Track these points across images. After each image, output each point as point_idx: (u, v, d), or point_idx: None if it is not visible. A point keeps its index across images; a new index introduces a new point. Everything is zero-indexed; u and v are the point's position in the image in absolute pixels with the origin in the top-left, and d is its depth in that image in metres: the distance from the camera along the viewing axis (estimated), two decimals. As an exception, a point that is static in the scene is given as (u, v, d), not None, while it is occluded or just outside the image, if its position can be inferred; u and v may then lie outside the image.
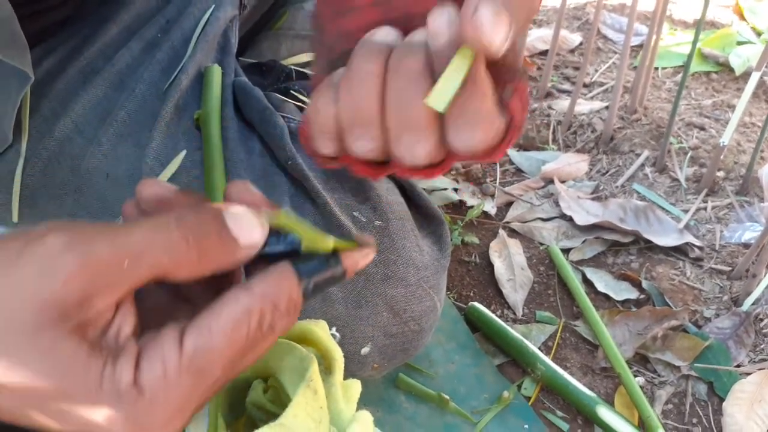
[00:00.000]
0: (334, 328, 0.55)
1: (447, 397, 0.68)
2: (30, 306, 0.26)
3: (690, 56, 0.86)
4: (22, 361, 0.26)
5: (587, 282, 0.81)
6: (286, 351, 0.43)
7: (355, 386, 0.44)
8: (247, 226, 0.30)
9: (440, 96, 0.29)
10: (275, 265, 0.30)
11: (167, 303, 0.33)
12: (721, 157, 0.88)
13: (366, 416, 0.38)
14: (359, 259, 0.32)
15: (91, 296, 0.26)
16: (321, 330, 0.46)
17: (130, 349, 0.27)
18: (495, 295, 0.81)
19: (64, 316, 0.26)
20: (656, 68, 1.10)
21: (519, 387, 0.72)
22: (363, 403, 0.43)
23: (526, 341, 0.73)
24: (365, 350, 0.54)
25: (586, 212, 0.88)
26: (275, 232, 0.31)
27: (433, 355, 0.72)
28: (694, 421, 0.70)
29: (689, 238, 0.84)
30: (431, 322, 0.58)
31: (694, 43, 0.84)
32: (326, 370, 0.43)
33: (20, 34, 0.49)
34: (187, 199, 0.32)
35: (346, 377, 0.46)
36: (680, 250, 0.84)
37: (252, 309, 0.28)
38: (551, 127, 1.01)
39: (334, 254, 0.32)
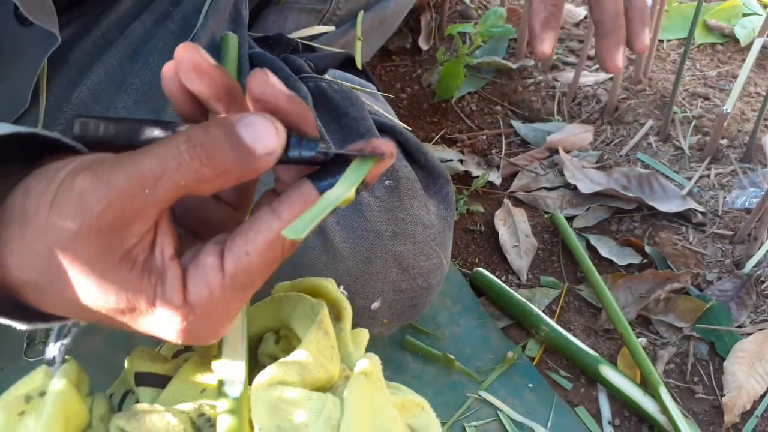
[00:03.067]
0: (342, 287, 0.57)
1: (453, 357, 0.70)
2: (76, 243, 0.29)
3: (692, 26, 0.87)
4: (83, 291, 0.30)
5: (591, 249, 0.83)
6: (297, 301, 0.45)
7: (364, 334, 0.46)
8: (263, 133, 0.30)
9: (300, 226, 0.30)
10: (299, 187, 0.31)
11: (200, 204, 0.35)
12: (725, 125, 0.88)
13: (375, 357, 0.40)
14: (379, 171, 0.32)
15: (126, 225, 0.29)
16: (330, 284, 0.48)
17: (175, 271, 0.31)
18: (500, 262, 0.83)
19: (108, 249, 0.29)
20: (661, 40, 1.11)
21: (523, 348, 0.74)
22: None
23: (530, 304, 0.75)
24: (375, 305, 0.56)
25: (590, 181, 0.89)
26: (295, 136, 0.31)
27: (439, 318, 0.74)
28: (695, 379, 0.72)
29: (692, 204, 0.85)
30: (438, 278, 0.60)
31: (696, 13, 0.85)
32: (336, 317, 0.45)
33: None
34: (221, 77, 0.32)
35: (355, 329, 0.48)
36: (683, 216, 0.85)
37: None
38: (556, 99, 1.02)
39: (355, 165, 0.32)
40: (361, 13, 0.83)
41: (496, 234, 0.85)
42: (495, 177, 0.92)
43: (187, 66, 0.32)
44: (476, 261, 0.83)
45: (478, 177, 0.90)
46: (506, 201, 0.88)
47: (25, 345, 0.68)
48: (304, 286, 0.47)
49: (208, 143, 0.29)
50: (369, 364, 0.38)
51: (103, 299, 0.30)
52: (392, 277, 0.57)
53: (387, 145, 0.32)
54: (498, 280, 0.78)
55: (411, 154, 0.66)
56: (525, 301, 0.75)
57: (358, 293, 0.56)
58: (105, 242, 0.29)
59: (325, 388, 0.39)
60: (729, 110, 0.86)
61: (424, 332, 0.73)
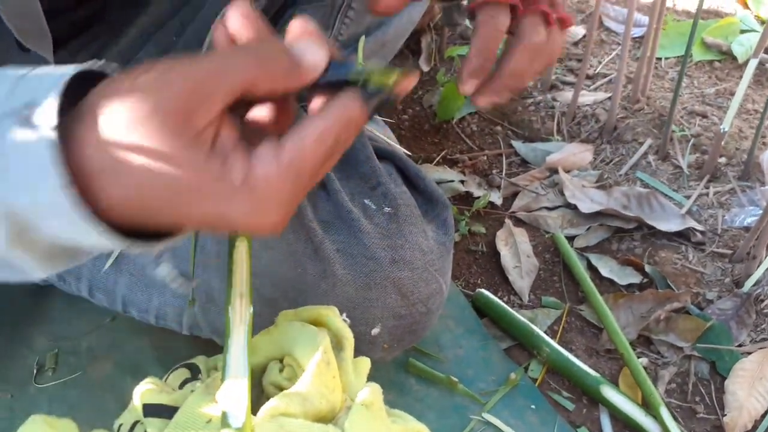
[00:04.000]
0: (344, 314, 0.58)
1: (456, 379, 0.71)
2: (152, 119, 0.31)
3: (689, 44, 0.88)
4: (153, 169, 0.32)
5: (592, 268, 0.84)
6: (300, 330, 0.46)
7: (365, 362, 0.47)
8: (311, 49, 0.35)
9: None
10: (346, 92, 0.35)
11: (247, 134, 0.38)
12: (723, 143, 0.89)
13: (376, 386, 0.41)
14: (407, 84, 0.36)
15: (196, 109, 0.32)
16: (332, 313, 0.49)
17: (239, 155, 0.33)
18: (501, 283, 0.84)
19: (181, 127, 0.32)
20: (659, 58, 1.12)
21: (526, 369, 0.74)
22: (374, 381, 0.46)
23: (532, 325, 0.76)
24: (375, 331, 0.57)
25: (590, 200, 0.90)
26: (334, 61, 0.36)
27: (441, 340, 0.75)
28: (697, 399, 0.72)
29: (691, 223, 0.85)
30: (437, 303, 0.61)
31: (692, 31, 0.86)
32: (337, 347, 0.46)
33: (44, 25, 0.52)
34: (264, 23, 0.37)
35: (357, 357, 0.49)
36: (683, 235, 0.86)
37: (332, 127, 0.34)
38: (555, 119, 1.03)
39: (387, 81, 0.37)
40: (363, 38, 0.84)
41: (497, 254, 0.86)
42: (496, 197, 0.93)
43: (236, 17, 0.36)
44: (479, 282, 0.84)
45: (479, 198, 0.91)
46: (507, 221, 0.89)
47: (35, 372, 0.69)
48: (306, 315, 0.48)
49: (266, 51, 0.34)
50: (369, 394, 0.39)
51: (171, 177, 0.32)
52: (391, 303, 0.58)
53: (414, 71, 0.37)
54: (500, 302, 0.79)
55: (410, 179, 0.67)
56: (527, 322, 0.76)
57: (358, 319, 0.57)
58: (179, 121, 0.32)
59: (327, 418, 0.40)
60: (726, 129, 0.86)
61: (427, 354, 0.74)
